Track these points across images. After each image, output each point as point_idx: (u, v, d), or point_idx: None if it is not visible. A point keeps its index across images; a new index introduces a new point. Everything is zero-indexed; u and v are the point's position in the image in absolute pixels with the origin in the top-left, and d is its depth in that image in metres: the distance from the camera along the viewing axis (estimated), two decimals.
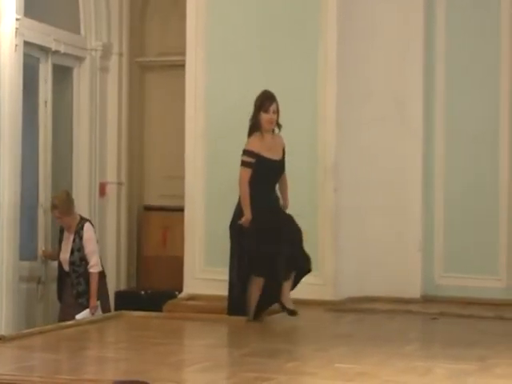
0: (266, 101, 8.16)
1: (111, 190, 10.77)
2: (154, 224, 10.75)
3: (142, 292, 9.41)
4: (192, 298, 9.33)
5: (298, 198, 9.21)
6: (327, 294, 9.16)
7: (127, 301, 9.61)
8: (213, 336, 7.53)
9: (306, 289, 9.03)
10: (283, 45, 9.39)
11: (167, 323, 8.23)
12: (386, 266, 9.45)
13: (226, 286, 8.79)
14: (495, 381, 5.62)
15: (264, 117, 8.12)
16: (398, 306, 8.98)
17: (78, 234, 8.96)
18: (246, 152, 8.14)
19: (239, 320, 8.10)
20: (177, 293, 9.59)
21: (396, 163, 9.59)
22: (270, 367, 5.91)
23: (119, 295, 10.00)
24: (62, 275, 9.02)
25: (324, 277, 9.23)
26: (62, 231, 9.08)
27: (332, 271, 9.26)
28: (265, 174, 8.13)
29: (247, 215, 8.03)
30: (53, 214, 9.14)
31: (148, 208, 10.80)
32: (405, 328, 8.11)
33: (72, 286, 8.94)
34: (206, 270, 9.25)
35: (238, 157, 9.40)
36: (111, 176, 10.83)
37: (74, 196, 9.54)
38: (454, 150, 9.59)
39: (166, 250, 10.63)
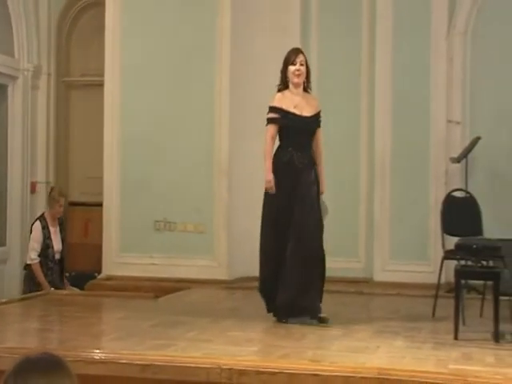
0: (291, 54, 6.73)
1: (41, 188, 10.70)
2: (78, 217, 10.73)
3: (67, 274, 9.31)
4: (109, 278, 9.31)
5: (198, 195, 9.33)
6: (221, 275, 9.23)
7: None
8: (126, 310, 7.51)
9: (203, 270, 9.15)
10: (186, 69, 9.42)
11: (89, 300, 8.20)
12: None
13: (140, 268, 8.85)
14: (355, 343, 5.72)
15: (290, 69, 6.64)
16: None
17: (61, 225, 8.89)
18: (269, 109, 6.73)
19: (148, 296, 8.12)
20: (96, 274, 9.55)
21: None
22: (173, 336, 5.93)
23: None
24: (53, 265, 8.75)
25: (218, 260, 9.31)
26: (44, 227, 8.76)
27: (225, 255, 9.33)
28: (289, 130, 6.62)
29: (267, 175, 6.57)
30: (58, 201, 8.85)
31: (72, 203, 10.70)
32: None
33: (62, 272, 8.81)
34: (120, 255, 9.23)
35: (148, 160, 9.49)
36: (41, 176, 10.79)
37: (9, 193, 9.45)
38: (325, 154, 9.74)
39: (87, 238, 10.63)
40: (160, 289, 8.42)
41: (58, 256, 8.78)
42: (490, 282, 6.40)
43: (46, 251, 8.72)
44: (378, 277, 9.32)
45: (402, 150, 9.36)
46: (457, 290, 6.18)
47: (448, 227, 7.22)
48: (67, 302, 8.02)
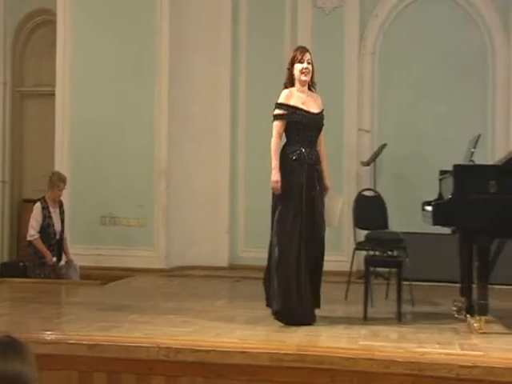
0: (297, 53, 6.01)
1: None
2: (31, 213, 10.48)
3: (21, 263, 9.12)
4: None
5: (140, 193, 9.27)
6: (160, 264, 9.20)
7: (9, 270, 9.30)
8: (75, 296, 7.44)
9: (144, 260, 9.10)
10: (129, 82, 9.36)
11: (41, 287, 8.05)
12: (203, 243, 9.53)
13: (88, 258, 8.76)
14: (277, 324, 5.71)
15: (298, 67, 5.97)
16: (211, 272, 9.06)
17: (61, 208, 8.56)
18: (276, 105, 6.05)
19: (95, 283, 8.03)
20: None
21: (211, 170, 9.71)
22: (117, 318, 5.87)
23: (3, 266, 9.69)
24: (54, 242, 8.42)
25: (158, 251, 9.28)
26: (44, 208, 8.42)
27: (164, 247, 9.30)
28: (298, 126, 5.92)
29: (274, 175, 5.84)
30: (60, 187, 8.51)
31: (26, 200, 10.51)
32: (216, 288, 8.16)
33: (60, 251, 8.48)
34: (73, 247, 9.10)
35: (95, 162, 9.39)
36: None
37: None
38: (252, 161, 9.79)
39: None
40: (106, 277, 8.34)
41: (58, 236, 8.48)
42: (394, 269, 6.49)
43: (47, 230, 8.40)
44: None
45: None
46: (366, 276, 6.26)
47: (359, 222, 7.31)
48: (20, 289, 7.87)
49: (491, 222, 5.47)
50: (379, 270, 7.55)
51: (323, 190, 6.00)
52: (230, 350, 4.71)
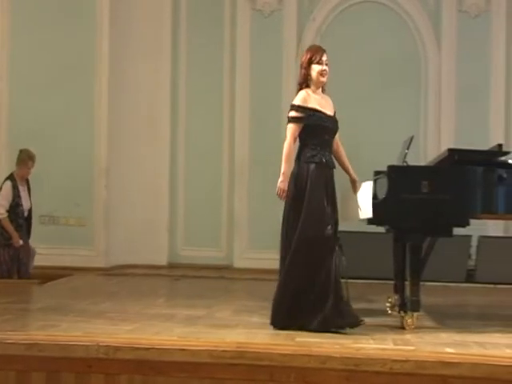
0: (315, 53, 5.56)
1: None
2: None
3: None
4: None
5: (80, 192, 9.16)
6: (99, 263, 9.11)
7: None
8: (14, 295, 7.29)
9: (84, 259, 8.99)
10: (70, 82, 9.27)
11: None
12: (143, 241, 9.49)
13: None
14: (217, 321, 5.73)
15: (316, 68, 5.50)
16: (151, 271, 9.03)
17: (28, 184, 8.24)
18: (292, 107, 5.51)
19: (34, 282, 7.90)
20: None
21: (151, 169, 9.67)
22: (56, 317, 5.75)
23: None
24: (22, 221, 8.12)
25: (97, 250, 9.19)
26: (14, 187, 8.07)
27: (103, 246, 9.22)
28: (316, 129, 5.49)
29: (282, 181, 5.38)
30: (28, 165, 8.16)
31: None
32: (156, 286, 8.12)
33: (29, 229, 8.22)
34: None
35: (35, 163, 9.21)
36: None
37: None
38: (192, 160, 9.79)
39: None
40: (45, 276, 8.21)
41: (26, 213, 8.16)
42: None
43: (17, 209, 8.06)
44: (238, 264, 9.41)
45: (259, 155, 9.50)
46: None
47: None
48: None
49: (423, 221, 5.57)
50: None
51: (353, 183, 5.83)
52: (169, 347, 4.69)
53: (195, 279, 8.60)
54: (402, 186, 5.61)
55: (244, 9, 9.62)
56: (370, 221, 5.79)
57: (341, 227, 7.61)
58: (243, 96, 9.58)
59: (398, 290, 6.34)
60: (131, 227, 9.49)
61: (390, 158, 6.45)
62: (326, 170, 5.49)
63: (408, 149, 6.30)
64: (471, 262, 8.86)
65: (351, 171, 5.83)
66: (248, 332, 5.31)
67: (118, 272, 8.93)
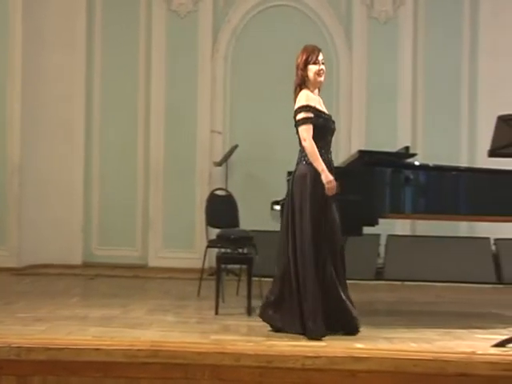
0: (311, 53, 5.45)
1: None
2: None
3: None
4: None
5: None
6: (12, 262, 8.89)
7: None
8: None
9: None
10: None
11: None
12: (57, 241, 9.33)
13: None
14: (132, 320, 5.67)
15: (313, 68, 5.39)
16: (65, 270, 8.87)
17: None
18: (301, 108, 5.36)
19: None
20: None
21: (65, 168, 9.51)
22: None
23: None
24: None
25: (10, 250, 8.97)
26: None
27: (16, 245, 9.00)
28: (322, 130, 5.33)
29: (327, 176, 5.19)
30: None
31: None
32: (70, 286, 7.97)
33: None
34: None
35: None
36: None
37: None
38: (107, 159, 9.67)
39: None
40: None
41: None
42: (244, 266, 6.59)
43: None
44: (152, 263, 9.36)
45: (173, 155, 9.48)
46: (217, 273, 6.31)
47: (211, 220, 7.36)
48: None
49: None
50: (230, 266, 7.64)
51: None
52: (83, 347, 4.62)
53: (110, 278, 8.51)
54: None
55: (159, 9, 9.57)
56: None
57: (254, 227, 7.68)
58: (158, 96, 9.54)
59: None
60: (45, 226, 9.31)
61: None
62: (331, 173, 5.31)
63: None
64: (380, 260, 9.06)
65: None
66: (162, 331, 5.29)
67: (31, 272, 8.74)
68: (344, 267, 5.44)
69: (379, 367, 4.45)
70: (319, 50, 5.47)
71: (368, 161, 5.87)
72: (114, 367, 4.53)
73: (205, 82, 9.57)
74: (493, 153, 5.08)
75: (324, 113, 5.40)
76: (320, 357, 4.49)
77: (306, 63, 5.43)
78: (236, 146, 9.23)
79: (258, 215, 8.46)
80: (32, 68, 9.23)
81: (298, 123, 5.37)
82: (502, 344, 4.85)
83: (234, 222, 7.33)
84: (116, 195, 9.58)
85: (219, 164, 9.24)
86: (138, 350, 4.58)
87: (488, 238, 9.15)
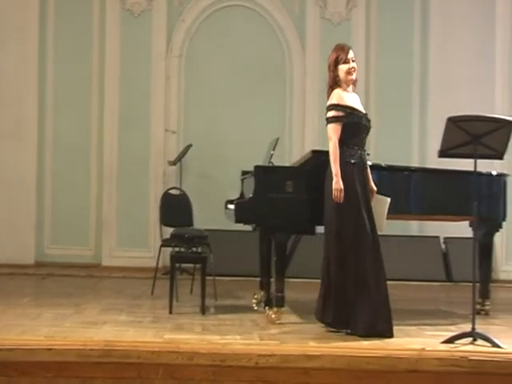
0: (340, 53, 5.43)
1: None
2: None
3: None
4: None
5: None
6: None
7: None
8: None
9: None
10: None
11: None
12: (9, 240, 9.17)
13: None
14: (85, 320, 5.62)
15: (343, 68, 5.38)
16: (17, 270, 8.72)
17: None
18: (331, 106, 5.32)
19: None
20: None
21: (18, 166, 9.38)
22: None
23: None
24: None
25: None
26: None
27: None
28: (356, 128, 5.33)
29: (337, 182, 5.19)
30: None
31: None
32: (22, 286, 7.86)
33: None
34: None
35: None
36: None
37: None
38: (60, 158, 9.56)
39: None
40: None
41: None
42: (198, 265, 6.57)
43: None
44: (106, 262, 9.29)
45: (127, 155, 9.41)
46: (171, 272, 6.29)
47: (165, 219, 7.33)
48: None
49: (288, 219, 5.69)
50: (184, 265, 7.62)
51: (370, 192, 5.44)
52: (35, 347, 4.56)
53: (63, 278, 8.41)
54: (267, 185, 5.71)
55: (113, 8, 9.49)
56: (237, 219, 5.86)
57: (209, 226, 7.67)
58: (112, 95, 9.46)
59: (264, 286, 6.45)
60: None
61: (257, 158, 6.55)
62: (363, 170, 5.34)
63: (274, 150, 6.42)
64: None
65: (370, 177, 5.46)
66: (116, 330, 5.26)
67: None
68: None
69: (332, 365, 4.49)
70: (349, 48, 5.46)
71: (321, 160, 5.90)
72: (67, 367, 4.49)
73: (159, 81, 9.53)
74: (443, 153, 5.15)
75: (358, 110, 5.38)
76: (274, 355, 4.51)
77: (336, 63, 5.41)
78: (190, 146, 9.21)
79: (212, 214, 8.43)
80: None
81: (327, 121, 5.35)
82: (450, 340, 4.93)
83: (188, 221, 7.32)
84: (69, 194, 9.48)
85: (173, 163, 9.21)
86: (91, 349, 4.54)
87: (438, 237, 9.29)
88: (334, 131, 5.30)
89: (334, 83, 5.42)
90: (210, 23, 9.66)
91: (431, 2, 9.73)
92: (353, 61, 5.42)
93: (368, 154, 5.49)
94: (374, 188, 5.48)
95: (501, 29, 9.36)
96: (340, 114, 5.31)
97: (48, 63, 9.52)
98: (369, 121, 5.47)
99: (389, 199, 5.39)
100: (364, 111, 5.47)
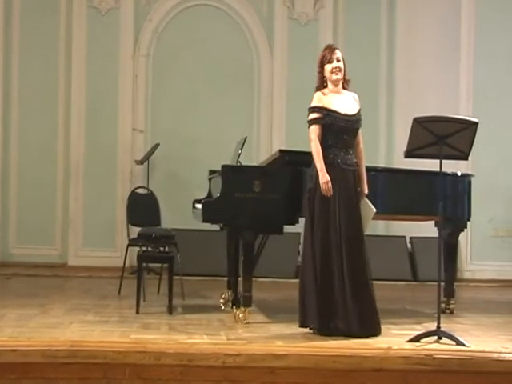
0: (325, 53, 5.43)
1: None
2: None
3: None
4: None
5: None
6: None
7: None
8: None
9: None
10: None
11: None
12: None
13: None
14: (51, 320, 5.59)
15: (328, 68, 5.39)
16: None
17: None
18: (309, 110, 5.43)
19: None
20: None
21: None
22: None
23: None
24: None
25: None
26: None
27: None
28: (331, 128, 5.34)
29: (322, 176, 5.21)
30: None
31: None
32: None
33: None
34: None
35: None
36: None
37: None
38: (25, 155, 9.47)
39: None
40: None
41: None
42: (165, 265, 6.56)
43: None
44: (72, 261, 9.22)
45: (94, 154, 9.35)
46: (138, 271, 6.26)
47: (132, 219, 7.30)
48: None
49: (255, 219, 5.70)
50: (151, 265, 7.59)
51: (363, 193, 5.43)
52: None
53: (28, 278, 8.33)
54: (235, 185, 5.71)
55: (80, 5, 9.42)
56: (204, 218, 5.85)
57: (176, 225, 7.66)
58: (79, 94, 9.39)
59: (232, 285, 6.45)
60: None
61: (224, 157, 6.54)
62: (337, 171, 5.29)
63: (241, 149, 6.42)
64: (300, 259, 9.12)
65: (362, 179, 5.45)
66: (83, 330, 5.22)
67: None
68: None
69: (298, 364, 4.50)
70: (334, 48, 5.45)
71: (288, 160, 5.92)
72: (32, 368, 4.44)
73: (126, 80, 9.48)
74: (409, 154, 5.19)
75: (335, 112, 5.36)
76: (240, 354, 4.51)
77: (322, 63, 5.43)
78: (157, 145, 9.17)
79: (180, 214, 8.42)
80: None
81: (308, 124, 5.43)
82: (416, 339, 4.97)
83: (156, 221, 7.29)
84: (35, 193, 9.39)
85: (141, 162, 9.17)
86: (57, 350, 4.50)
87: (404, 237, 9.36)
88: (313, 132, 5.36)
89: (320, 84, 5.46)
90: (178, 22, 9.64)
91: (398, 4, 9.81)
92: (338, 60, 5.40)
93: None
94: (364, 190, 5.45)
95: (465, 31, 9.46)
96: (316, 115, 5.36)
97: (13, 61, 9.43)
98: (354, 121, 5.40)
99: (374, 210, 5.41)
100: (352, 111, 5.41)
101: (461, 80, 9.48)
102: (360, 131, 5.49)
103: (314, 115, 5.39)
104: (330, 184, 5.22)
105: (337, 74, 5.41)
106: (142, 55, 9.57)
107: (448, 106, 8.78)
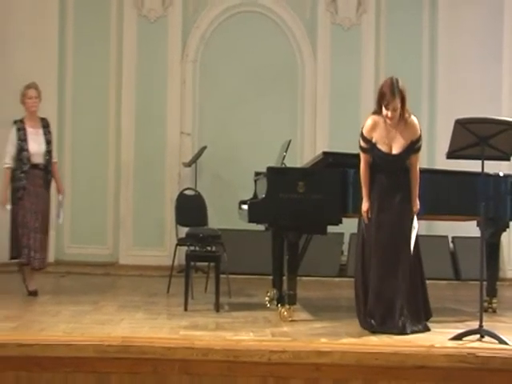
0: (386, 94, 5.32)
1: None
2: None
3: None
4: None
5: None
6: None
7: None
8: None
9: None
10: None
11: None
12: None
13: None
14: (103, 317, 5.64)
15: (383, 111, 5.36)
16: None
17: (46, 126, 7.00)
18: (360, 134, 5.44)
19: None
20: None
21: None
22: None
23: None
24: (28, 168, 6.80)
25: None
26: (19, 129, 6.85)
27: None
28: (375, 162, 5.41)
29: (364, 205, 5.39)
30: (27, 94, 6.95)
31: None
32: (42, 283, 7.74)
33: (48, 177, 6.97)
34: None
35: None
36: None
37: None
38: (78, 156, 9.56)
39: None
40: None
41: (38, 160, 6.84)
42: (212, 264, 6.59)
43: (20, 154, 6.79)
44: (123, 260, 9.30)
45: (144, 156, 9.42)
46: (187, 270, 6.30)
47: (180, 219, 7.35)
48: None
49: (299, 219, 5.70)
50: (199, 264, 7.63)
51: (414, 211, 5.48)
52: (54, 343, 4.59)
53: (81, 276, 8.44)
54: (279, 186, 5.72)
55: (130, 14, 9.52)
56: (250, 219, 5.86)
57: (222, 226, 7.67)
58: (129, 99, 9.48)
59: (276, 284, 6.45)
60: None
61: (269, 160, 6.55)
62: (377, 193, 5.40)
63: (286, 152, 6.42)
64: (343, 258, 9.10)
65: (413, 198, 5.47)
66: (133, 326, 5.28)
67: (3, 270, 8.61)
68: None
69: (342, 361, 4.48)
70: (395, 96, 5.29)
71: (332, 162, 5.90)
72: (85, 362, 4.51)
73: (174, 84, 9.54)
74: (451, 155, 5.14)
75: (379, 149, 5.37)
76: (286, 351, 4.51)
77: (380, 101, 5.38)
78: (205, 148, 9.22)
79: (226, 214, 8.46)
80: (1, 69, 9.09)
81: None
82: (458, 337, 4.92)
83: (203, 221, 7.33)
84: (87, 194, 9.51)
85: (188, 165, 9.23)
86: (109, 345, 4.56)
87: (446, 237, 9.26)
88: (362, 158, 5.44)
89: (378, 107, 5.40)
90: (224, 29, 9.68)
91: (439, 7, 9.70)
92: (394, 110, 5.30)
93: None
94: (414, 209, 5.49)
95: (508, 32, 9.31)
96: (364, 146, 5.42)
97: (67, 67, 9.55)
98: (395, 161, 5.38)
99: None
100: (397, 149, 5.37)
101: (503, 81, 9.33)
102: (415, 157, 5.46)
103: (362, 144, 5.43)
104: (366, 214, 5.38)
105: (390, 121, 5.36)
106: (190, 61, 9.64)
107: (490, 107, 8.66)
